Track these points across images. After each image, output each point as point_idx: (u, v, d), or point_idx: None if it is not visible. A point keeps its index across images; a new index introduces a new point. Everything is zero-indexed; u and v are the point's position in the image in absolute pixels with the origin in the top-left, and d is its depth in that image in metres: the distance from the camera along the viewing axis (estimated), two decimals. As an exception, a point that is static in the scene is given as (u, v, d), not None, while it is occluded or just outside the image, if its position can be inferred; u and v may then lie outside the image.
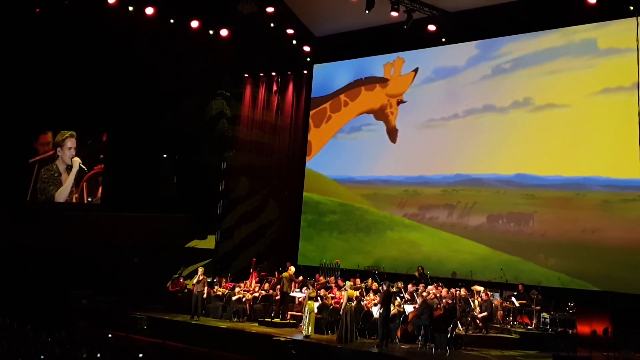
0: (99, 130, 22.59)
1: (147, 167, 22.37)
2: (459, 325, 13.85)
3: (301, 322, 14.58)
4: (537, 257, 16.29)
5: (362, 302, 14.58)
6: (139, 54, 20.40)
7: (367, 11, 16.63)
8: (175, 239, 21.11)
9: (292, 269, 16.56)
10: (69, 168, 22.49)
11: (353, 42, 20.16)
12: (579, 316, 13.51)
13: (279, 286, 16.24)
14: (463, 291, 15.05)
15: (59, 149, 22.61)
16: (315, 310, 14.34)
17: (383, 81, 20.11)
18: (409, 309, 14.14)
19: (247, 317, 16.25)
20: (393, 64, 19.95)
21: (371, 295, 15.20)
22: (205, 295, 16.20)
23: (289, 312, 15.84)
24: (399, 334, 13.88)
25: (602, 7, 15.24)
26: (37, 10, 19.17)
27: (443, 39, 18.12)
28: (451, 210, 18.04)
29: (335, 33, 20.39)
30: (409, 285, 15.48)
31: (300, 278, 16.69)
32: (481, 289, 15.04)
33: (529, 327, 14.66)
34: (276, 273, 17.09)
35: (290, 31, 19.64)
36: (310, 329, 14.00)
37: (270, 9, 18.45)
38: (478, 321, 14.33)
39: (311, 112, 21.45)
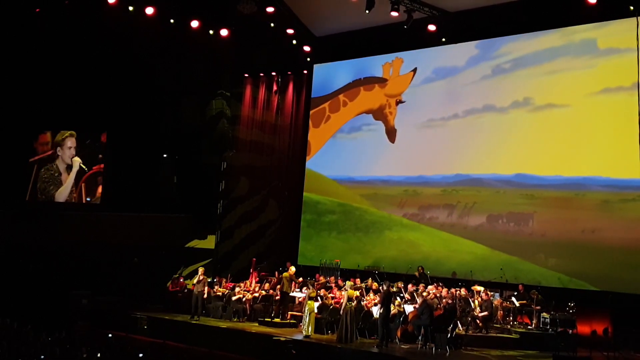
0: (98, 130, 22.60)
1: (147, 167, 22.38)
2: (459, 325, 13.85)
3: (301, 322, 14.58)
4: (537, 257, 16.29)
5: (362, 302, 14.57)
6: (139, 54, 20.41)
7: (367, 11, 16.64)
8: (175, 239, 21.11)
9: (293, 269, 16.56)
10: (69, 168, 22.51)
11: (353, 42, 20.16)
12: (579, 316, 13.50)
13: (279, 286, 16.24)
14: (463, 291, 15.05)
15: (59, 148, 22.63)
16: (316, 310, 14.34)
17: (382, 81, 20.11)
18: (409, 309, 14.14)
19: (247, 317, 16.24)
20: (392, 64, 19.95)
21: (371, 295, 15.20)
22: (205, 295, 16.20)
23: (289, 312, 15.84)
24: (399, 334, 13.88)
25: (602, 7, 15.25)
26: (37, 10, 19.18)
27: (443, 39, 18.13)
28: (451, 210, 18.04)
29: (336, 33, 20.39)
30: (409, 285, 15.47)
31: (300, 280, 16.68)
32: (481, 289, 15.04)
33: (529, 327, 14.66)
34: (276, 273, 17.10)
35: (290, 31, 19.64)
36: (310, 329, 14.00)
37: (270, 9, 18.46)
38: (478, 321, 14.32)
39: (311, 112, 21.46)
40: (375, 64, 20.28)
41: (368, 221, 19.68)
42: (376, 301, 14.38)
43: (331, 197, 20.65)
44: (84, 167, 22.33)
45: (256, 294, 16.56)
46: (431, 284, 15.51)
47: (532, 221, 16.59)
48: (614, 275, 14.95)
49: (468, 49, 18.34)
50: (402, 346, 13.50)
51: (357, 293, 14.70)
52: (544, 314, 14.20)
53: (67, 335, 11.99)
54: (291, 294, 16.03)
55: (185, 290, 17.64)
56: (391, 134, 19.66)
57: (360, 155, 20.29)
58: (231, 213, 21.41)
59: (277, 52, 20.83)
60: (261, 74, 22.13)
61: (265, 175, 21.65)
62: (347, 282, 15.60)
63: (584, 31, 16.33)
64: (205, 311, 16.31)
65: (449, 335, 13.06)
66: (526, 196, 16.74)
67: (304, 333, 14.01)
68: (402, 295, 15.17)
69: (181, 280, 18.31)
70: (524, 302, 14.97)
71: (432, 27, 17.69)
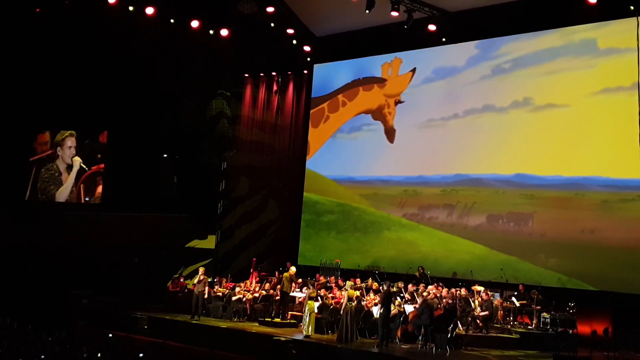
0: (98, 130, 22.59)
1: (147, 167, 22.37)
2: (459, 325, 13.86)
3: (301, 322, 14.59)
4: (536, 257, 16.30)
5: (362, 302, 14.57)
6: (139, 54, 20.41)
7: (367, 11, 16.64)
8: (175, 239, 21.10)
9: (293, 269, 16.58)
10: (69, 167, 22.49)
11: (353, 42, 20.17)
12: (579, 316, 13.51)
13: (279, 286, 16.25)
14: (463, 291, 15.05)
15: (59, 148, 22.62)
16: (316, 310, 14.34)
17: (381, 81, 20.12)
18: (409, 308, 14.14)
19: (247, 317, 16.25)
20: (391, 64, 19.96)
21: (371, 295, 15.20)
22: (205, 295, 16.21)
23: (289, 312, 15.85)
24: (399, 333, 13.89)
25: (602, 7, 15.25)
26: (37, 10, 19.17)
27: (443, 39, 18.13)
28: (451, 210, 18.05)
29: (336, 33, 20.40)
30: (409, 285, 15.48)
31: (300, 280, 16.68)
32: (481, 288, 15.04)
33: (529, 327, 14.66)
34: (276, 273, 17.10)
35: (290, 31, 19.65)
36: (310, 328, 14.01)
37: (270, 9, 18.46)
38: (478, 321, 14.33)
39: (310, 112, 21.46)
40: (375, 64, 20.28)
41: (367, 221, 19.69)
42: (376, 301, 14.39)
43: (330, 197, 20.65)
44: (84, 166, 22.32)
45: (256, 294, 16.56)
46: (431, 284, 15.51)
47: (531, 221, 16.59)
48: (613, 275, 14.95)
49: (468, 49, 18.34)
50: (402, 346, 13.51)
51: (358, 293, 14.69)
52: (544, 314, 14.20)
53: (67, 335, 12.01)
54: (291, 294, 16.04)
55: (186, 290, 17.65)
56: (390, 134, 19.66)
57: (360, 155, 20.29)
58: (231, 213, 21.42)
59: (277, 52, 20.83)
60: (261, 74, 22.13)
61: (265, 175, 21.65)
62: (347, 282, 15.59)
63: (584, 31, 16.34)
64: (205, 311, 16.31)
65: (449, 335, 13.07)
66: (526, 196, 16.75)
67: (304, 333, 14.01)
68: (402, 295, 15.17)
69: (181, 280, 18.32)
70: (524, 302, 14.97)
71: (432, 27, 17.70)
